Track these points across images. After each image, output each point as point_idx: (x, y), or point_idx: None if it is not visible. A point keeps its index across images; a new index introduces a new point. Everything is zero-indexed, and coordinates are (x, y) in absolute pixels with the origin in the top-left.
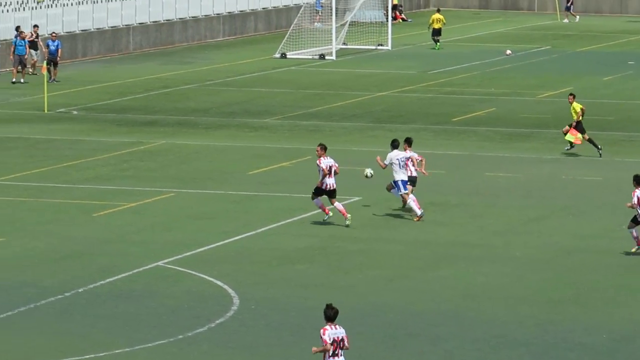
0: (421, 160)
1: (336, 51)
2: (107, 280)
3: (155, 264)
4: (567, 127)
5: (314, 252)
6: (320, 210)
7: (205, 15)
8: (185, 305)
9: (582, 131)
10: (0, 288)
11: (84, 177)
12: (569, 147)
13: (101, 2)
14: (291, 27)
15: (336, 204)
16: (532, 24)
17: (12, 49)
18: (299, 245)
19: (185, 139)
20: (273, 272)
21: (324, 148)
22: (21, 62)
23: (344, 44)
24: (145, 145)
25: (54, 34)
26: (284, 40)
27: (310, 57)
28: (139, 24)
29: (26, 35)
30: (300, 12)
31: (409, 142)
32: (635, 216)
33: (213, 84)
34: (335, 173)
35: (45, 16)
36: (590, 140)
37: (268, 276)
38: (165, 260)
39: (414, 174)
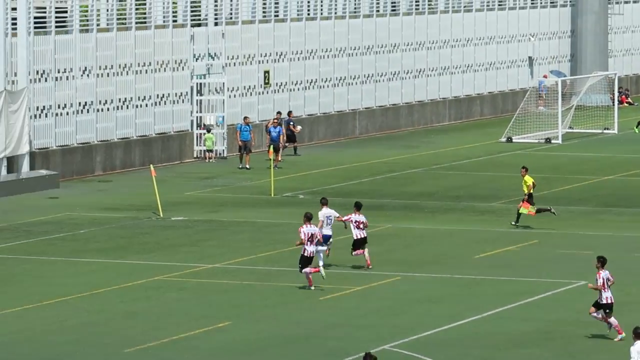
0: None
1: (562, 135)
2: None
3: (382, 347)
4: (521, 203)
5: (540, 336)
6: (310, 276)
7: (431, 100)
8: None
9: (532, 204)
10: None
11: None
12: (515, 222)
13: (327, 87)
14: (517, 111)
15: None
16: None
17: (237, 135)
18: (526, 329)
19: (410, 222)
20: (499, 356)
21: (307, 218)
22: (246, 148)
23: (570, 127)
24: (372, 229)
25: (275, 121)
26: (509, 124)
27: (536, 141)
28: (365, 108)
29: (250, 121)
30: (527, 96)
31: (358, 206)
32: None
33: (439, 168)
34: (319, 242)
35: (272, 101)
36: (539, 210)
37: None
38: (392, 344)
39: (361, 236)
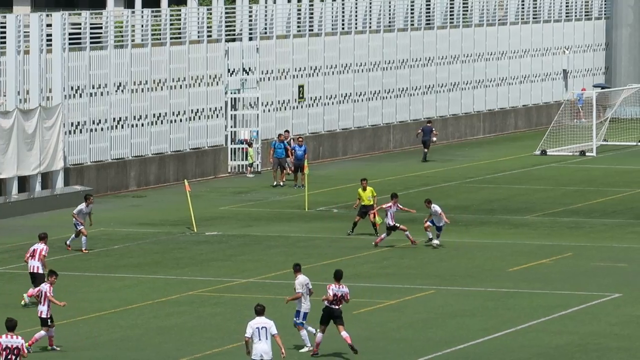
0: None
1: (597, 147)
2: None
3: None
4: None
5: (573, 349)
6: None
7: (465, 113)
8: None
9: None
10: None
11: (344, 274)
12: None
13: (362, 101)
14: (551, 124)
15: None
16: None
17: (271, 152)
18: (559, 342)
19: (444, 236)
20: None
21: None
22: (280, 165)
23: (604, 140)
24: (406, 242)
25: (300, 139)
26: (544, 137)
27: (571, 153)
28: (399, 122)
29: (284, 138)
30: (561, 109)
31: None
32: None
33: (473, 181)
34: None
35: (307, 115)
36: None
37: None
38: (425, 358)
39: None
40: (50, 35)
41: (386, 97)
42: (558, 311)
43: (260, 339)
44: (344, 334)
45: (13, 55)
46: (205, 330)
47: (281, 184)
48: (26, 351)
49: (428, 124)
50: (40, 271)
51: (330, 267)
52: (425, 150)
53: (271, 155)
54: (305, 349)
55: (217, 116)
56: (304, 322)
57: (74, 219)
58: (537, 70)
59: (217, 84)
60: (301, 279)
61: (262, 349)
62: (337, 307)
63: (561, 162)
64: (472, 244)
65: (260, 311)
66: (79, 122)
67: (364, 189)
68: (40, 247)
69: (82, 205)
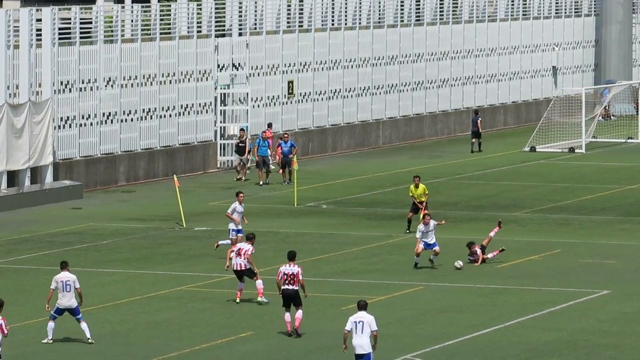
0: None
1: (586, 144)
2: None
3: (404, 356)
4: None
5: (562, 345)
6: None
7: (455, 109)
8: None
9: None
10: None
11: (333, 270)
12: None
13: (351, 97)
14: (541, 121)
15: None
16: None
17: (255, 150)
18: (548, 339)
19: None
20: None
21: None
22: (264, 164)
23: (593, 137)
24: (394, 238)
25: (285, 135)
26: (533, 134)
27: (560, 150)
28: (389, 118)
29: (269, 135)
30: (551, 105)
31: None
32: None
33: (462, 178)
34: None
35: (296, 111)
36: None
37: None
38: (414, 354)
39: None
40: (40, 30)
41: (375, 93)
42: (547, 308)
43: (357, 333)
44: (299, 313)
45: (3, 50)
46: (194, 326)
47: (261, 183)
48: (5, 330)
49: (476, 115)
50: (244, 268)
51: (320, 263)
52: (473, 140)
53: (255, 152)
54: (45, 340)
55: (207, 111)
56: (56, 315)
57: (229, 220)
58: (527, 67)
59: (207, 79)
60: (59, 275)
61: (357, 343)
62: (291, 287)
63: (550, 158)
64: (461, 240)
65: (362, 306)
66: (68, 117)
67: (417, 186)
68: (246, 247)
69: (235, 204)
